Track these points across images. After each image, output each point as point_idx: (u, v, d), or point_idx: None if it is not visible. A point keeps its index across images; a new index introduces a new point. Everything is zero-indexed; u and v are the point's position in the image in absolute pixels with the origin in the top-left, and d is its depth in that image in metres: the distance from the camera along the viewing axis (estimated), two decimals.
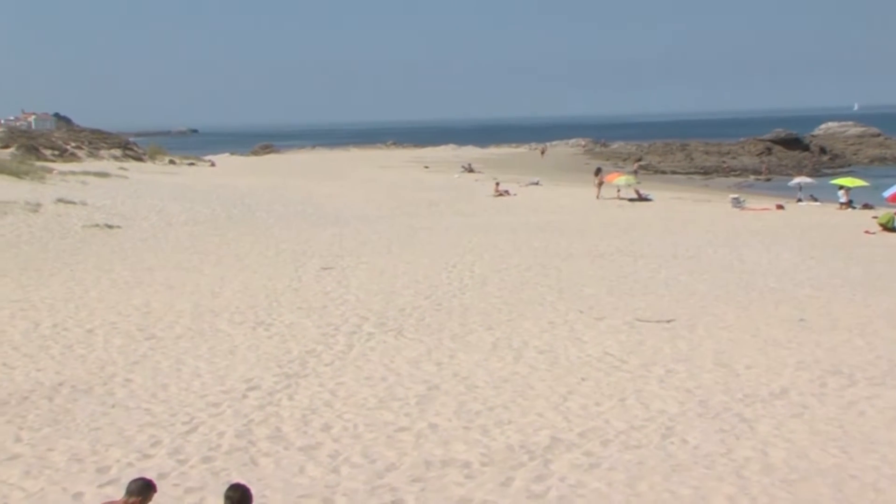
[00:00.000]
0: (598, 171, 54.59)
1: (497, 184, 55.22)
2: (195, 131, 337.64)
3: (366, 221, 36.68)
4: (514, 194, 52.64)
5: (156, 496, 7.70)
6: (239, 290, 21.35)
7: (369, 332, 17.32)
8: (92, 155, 69.57)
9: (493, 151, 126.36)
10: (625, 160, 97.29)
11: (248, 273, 23.68)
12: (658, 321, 18.39)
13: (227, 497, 7.51)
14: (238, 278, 22.85)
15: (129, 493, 7.73)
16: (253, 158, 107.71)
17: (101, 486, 9.98)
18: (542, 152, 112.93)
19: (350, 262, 25.57)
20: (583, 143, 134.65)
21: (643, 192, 52.53)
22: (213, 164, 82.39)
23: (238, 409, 12.69)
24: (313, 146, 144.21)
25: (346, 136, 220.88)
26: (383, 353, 15.84)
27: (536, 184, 61.91)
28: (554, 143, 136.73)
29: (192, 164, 79.31)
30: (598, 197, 50.48)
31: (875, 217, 38.81)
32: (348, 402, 13.08)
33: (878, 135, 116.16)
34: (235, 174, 66.16)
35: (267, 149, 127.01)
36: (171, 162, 75.58)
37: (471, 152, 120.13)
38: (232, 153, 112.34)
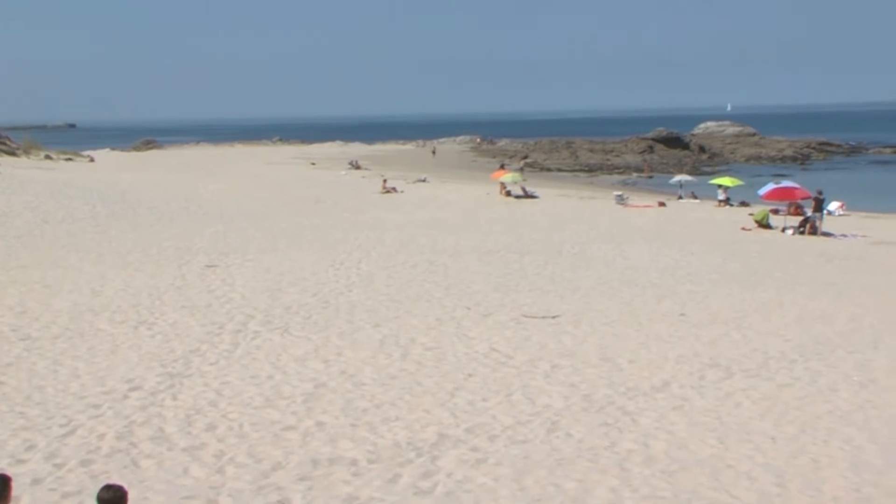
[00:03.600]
0: (502, 167, 56.23)
1: (384, 181, 55.20)
2: (73, 126, 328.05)
3: (251, 218, 36.18)
4: (402, 191, 52.67)
5: (30, 502, 7.42)
6: (120, 288, 20.82)
7: (255, 330, 17.10)
8: None
9: (379, 148, 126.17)
10: (511, 158, 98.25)
11: (130, 271, 23.11)
12: (544, 317, 18.63)
13: (99, 498, 7.23)
14: (119, 276, 22.28)
15: None
16: (134, 154, 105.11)
17: None
18: (433, 152, 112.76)
19: (235, 260, 25.19)
20: (478, 140, 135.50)
21: (529, 189, 53.20)
22: (92, 160, 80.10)
23: (119, 410, 12.37)
24: (197, 142, 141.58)
25: (231, 132, 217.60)
26: (269, 351, 15.66)
27: (424, 181, 62.09)
28: (441, 140, 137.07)
29: (69, 159, 76.98)
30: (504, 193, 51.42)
31: (751, 214, 40.16)
32: (234, 402, 12.88)
33: (754, 134, 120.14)
34: (116, 170, 64.56)
35: (149, 144, 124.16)
36: (48, 157, 73.14)
37: (358, 149, 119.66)
38: (112, 148, 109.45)
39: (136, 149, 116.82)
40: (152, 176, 57.70)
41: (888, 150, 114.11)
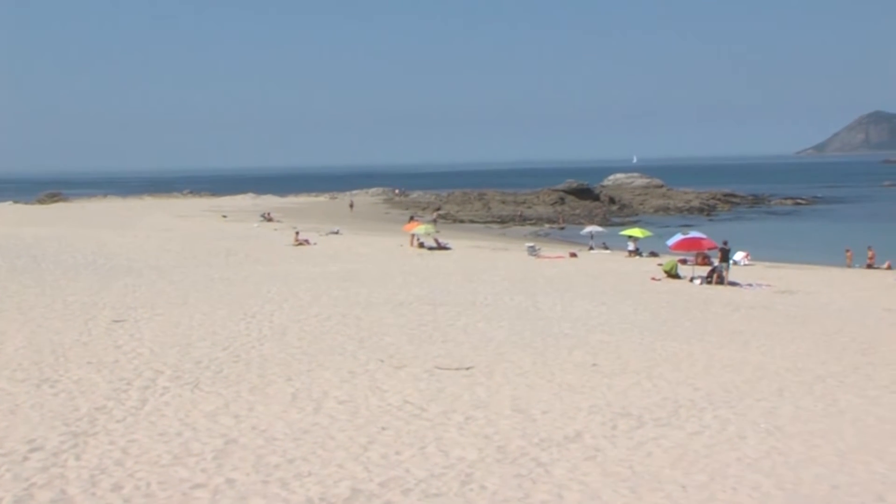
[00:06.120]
0: (412, 219, 56.50)
1: (297, 233, 54.99)
2: None
3: (161, 272, 35.58)
4: (314, 243, 52.47)
5: None
6: (22, 345, 20.20)
7: (164, 386, 16.72)
8: None
9: (292, 200, 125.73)
10: (424, 209, 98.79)
11: (33, 327, 22.46)
12: (457, 368, 18.60)
13: None
14: (21, 333, 21.63)
15: None
16: (39, 207, 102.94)
17: None
18: (351, 205, 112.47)
19: (144, 314, 24.69)
20: (395, 191, 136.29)
21: (442, 240, 53.43)
22: None
23: (18, 472, 11.92)
24: (105, 195, 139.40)
25: (140, 184, 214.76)
26: (179, 407, 15.31)
27: (337, 233, 62.02)
28: (354, 192, 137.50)
29: None
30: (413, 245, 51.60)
31: (660, 265, 40.92)
32: (141, 460, 12.53)
33: (662, 186, 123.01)
34: (19, 223, 63.06)
35: (54, 197, 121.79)
36: None
37: (270, 201, 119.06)
38: (15, 201, 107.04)
39: (41, 202, 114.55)
40: (58, 230, 56.49)
41: (789, 202, 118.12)
